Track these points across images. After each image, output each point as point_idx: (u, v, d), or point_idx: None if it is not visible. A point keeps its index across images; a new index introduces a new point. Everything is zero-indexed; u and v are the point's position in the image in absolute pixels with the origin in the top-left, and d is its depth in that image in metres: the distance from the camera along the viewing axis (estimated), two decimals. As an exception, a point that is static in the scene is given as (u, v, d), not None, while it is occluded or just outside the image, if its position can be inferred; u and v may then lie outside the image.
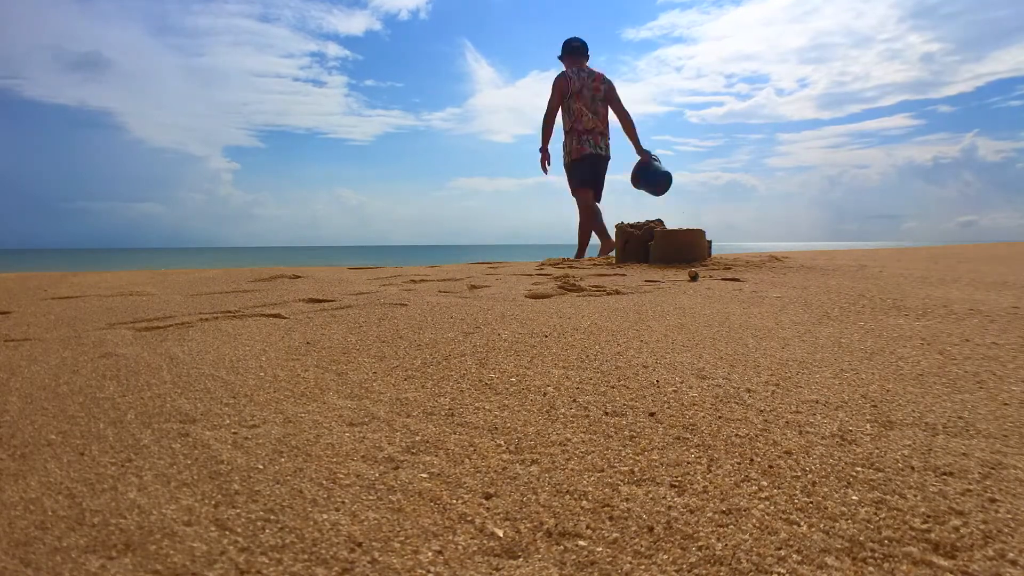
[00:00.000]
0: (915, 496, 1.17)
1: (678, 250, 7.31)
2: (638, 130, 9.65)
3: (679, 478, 1.28)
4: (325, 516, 1.15)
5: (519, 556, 1.02)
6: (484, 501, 1.20)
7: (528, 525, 1.11)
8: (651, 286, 4.95)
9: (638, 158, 9.55)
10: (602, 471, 1.32)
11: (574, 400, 1.81)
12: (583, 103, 9.10)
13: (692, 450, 1.42)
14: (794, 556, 0.99)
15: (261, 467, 1.38)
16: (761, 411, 1.68)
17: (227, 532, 1.11)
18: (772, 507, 1.15)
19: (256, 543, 1.07)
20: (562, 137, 9.52)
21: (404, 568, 0.99)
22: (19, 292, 5.19)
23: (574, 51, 9.25)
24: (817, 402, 1.75)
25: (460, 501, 1.20)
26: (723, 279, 5.44)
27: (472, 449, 1.46)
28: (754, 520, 1.10)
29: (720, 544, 1.03)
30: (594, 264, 7.66)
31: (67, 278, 6.63)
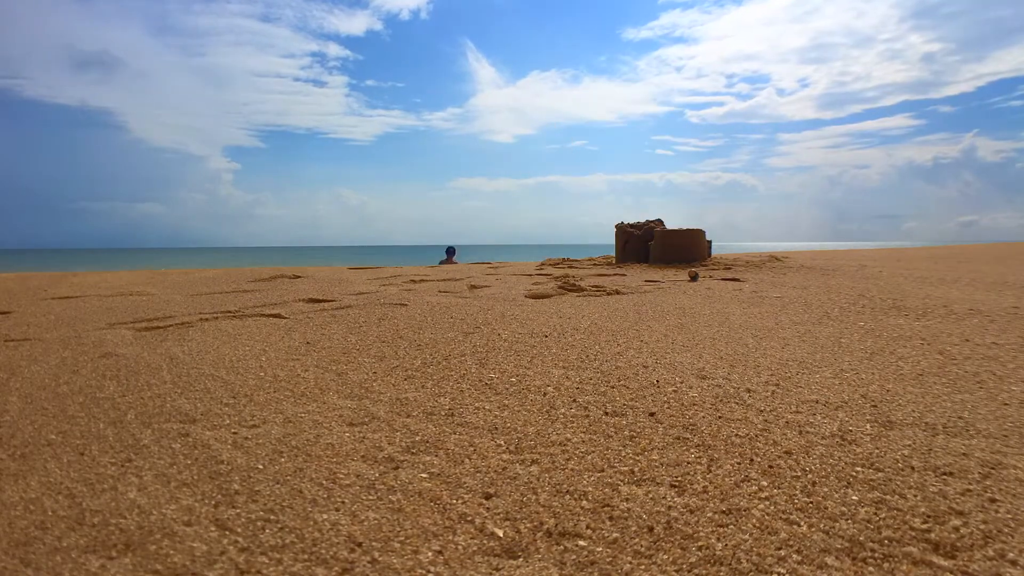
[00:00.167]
0: (915, 496, 1.17)
1: (678, 250, 7.31)
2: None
3: (679, 478, 1.28)
4: (325, 516, 1.16)
5: (519, 556, 1.02)
6: (484, 501, 1.20)
7: (528, 525, 1.11)
8: (651, 286, 4.95)
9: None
10: (602, 471, 1.32)
11: (574, 400, 1.81)
12: None
13: (692, 450, 1.42)
14: (794, 556, 0.99)
15: (261, 467, 1.38)
16: (761, 411, 1.68)
17: (227, 532, 1.11)
18: (772, 507, 1.15)
19: (256, 543, 1.07)
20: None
21: (404, 568, 0.99)
22: (19, 292, 5.19)
23: None
24: (817, 402, 1.76)
25: (460, 501, 1.20)
26: (723, 279, 5.44)
27: (472, 449, 1.46)
28: (754, 520, 1.10)
29: (720, 544, 1.03)
30: (594, 264, 7.67)
31: (67, 278, 6.63)
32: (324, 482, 1.30)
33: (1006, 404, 1.71)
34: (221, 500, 1.23)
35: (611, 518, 1.12)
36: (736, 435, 1.50)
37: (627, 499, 1.19)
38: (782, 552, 1.00)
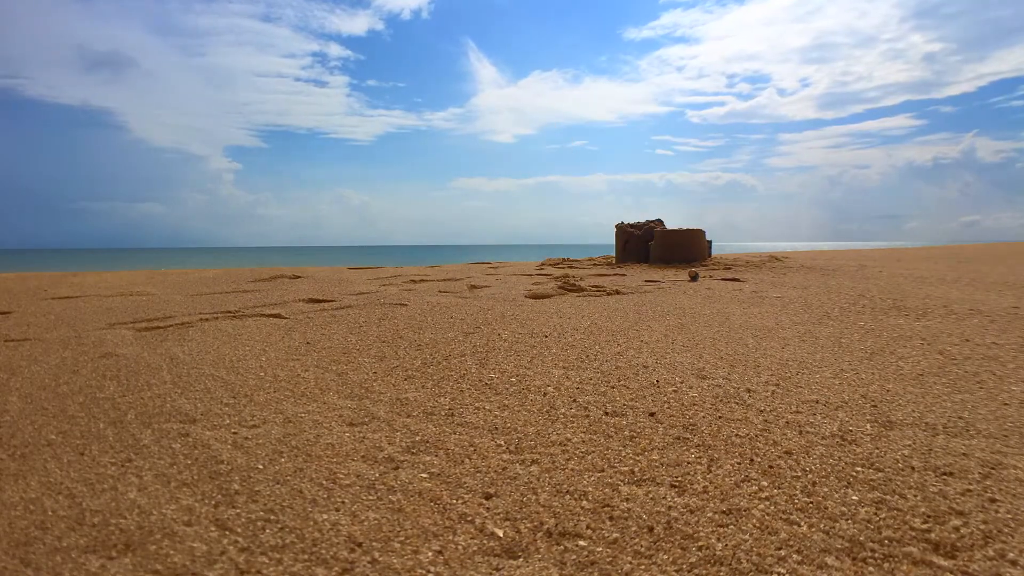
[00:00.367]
0: (915, 496, 1.17)
1: (678, 250, 7.31)
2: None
3: (679, 478, 1.28)
4: (325, 516, 1.16)
5: (519, 556, 1.02)
6: (484, 501, 1.20)
7: (528, 525, 1.11)
8: (651, 286, 4.95)
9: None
10: (602, 471, 1.32)
11: (574, 400, 1.81)
12: None
13: (692, 450, 1.42)
14: (794, 556, 0.99)
15: (261, 467, 1.38)
16: (761, 411, 1.68)
17: (227, 532, 1.11)
18: (772, 507, 1.15)
19: (256, 543, 1.07)
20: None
21: (404, 568, 0.99)
22: (19, 292, 5.19)
23: None
24: (817, 402, 1.75)
25: (460, 501, 1.20)
26: (723, 279, 5.44)
27: (472, 449, 1.46)
28: (754, 520, 1.10)
29: (720, 544, 1.03)
30: (594, 264, 7.66)
31: (67, 278, 6.63)
32: (324, 482, 1.30)
33: (1006, 404, 1.71)
34: (221, 500, 1.23)
35: (611, 518, 1.12)
36: (736, 435, 1.50)
37: (627, 499, 1.19)
38: (782, 552, 1.00)
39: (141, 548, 1.06)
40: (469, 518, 1.14)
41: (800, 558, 0.98)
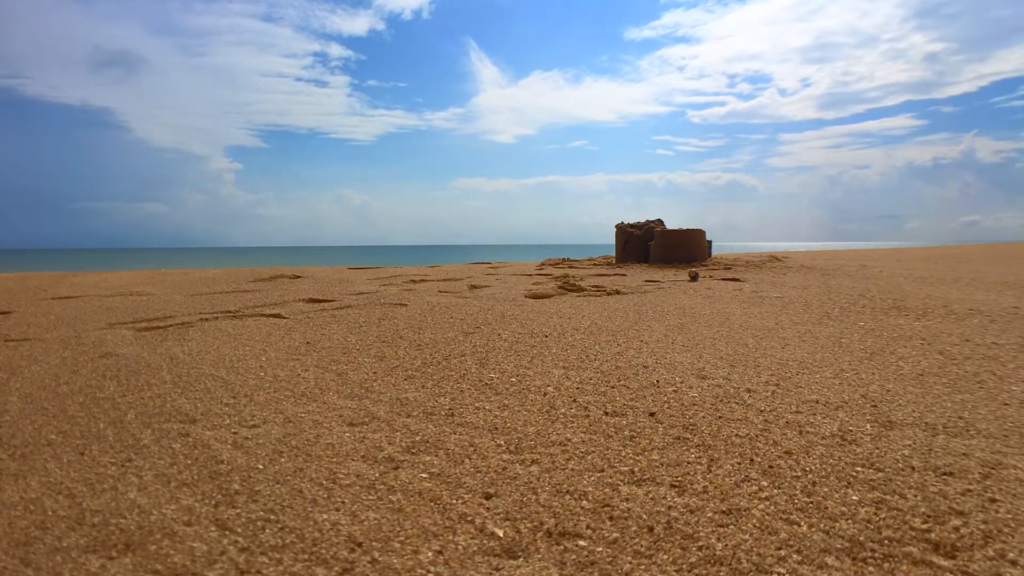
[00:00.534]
0: (915, 496, 1.17)
1: (678, 250, 7.31)
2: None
3: (679, 478, 1.28)
4: (325, 516, 1.16)
5: (519, 556, 1.02)
6: (484, 501, 1.20)
7: (528, 525, 1.11)
8: (651, 286, 4.95)
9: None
10: (602, 471, 1.32)
11: (574, 400, 1.81)
12: None
13: (692, 450, 1.42)
14: (794, 556, 0.99)
15: (261, 467, 1.38)
16: (761, 411, 1.68)
17: (227, 532, 1.11)
18: (772, 507, 1.15)
19: (256, 543, 1.07)
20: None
21: (404, 568, 0.99)
22: (19, 292, 5.19)
23: None
24: (817, 402, 1.75)
25: (460, 501, 1.20)
26: (723, 279, 5.44)
27: (472, 449, 1.46)
28: (754, 520, 1.10)
29: (720, 544, 1.03)
30: (594, 264, 7.67)
31: (67, 278, 6.64)
32: (324, 482, 1.30)
33: (1006, 404, 1.71)
34: (221, 500, 1.23)
35: (611, 518, 1.12)
36: (736, 435, 1.50)
37: (627, 499, 1.19)
38: (782, 552, 1.00)
39: (141, 548, 1.06)
40: (469, 518, 1.14)
41: (800, 558, 0.98)
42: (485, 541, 1.06)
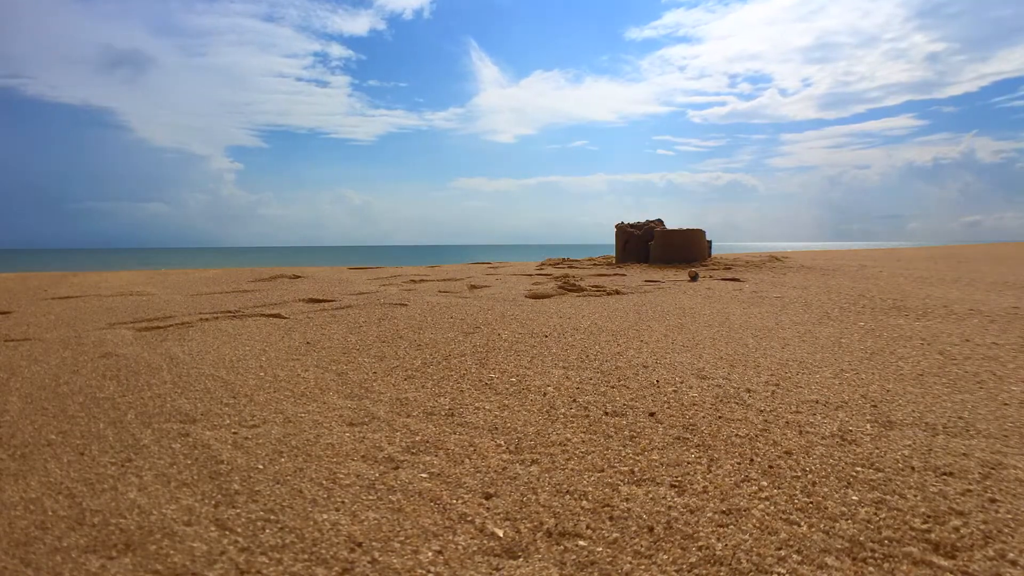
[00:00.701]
0: (915, 496, 1.17)
1: (678, 250, 7.31)
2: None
3: (679, 478, 1.28)
4: (325, 516, 1.16)
5: (519, 556, 1.02)
6: (484, 501, 1.20)
7: (528, 525, 1.11)
8: (651, 286, 4.95)
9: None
10: (602, 471, 1.32)
11: (574, 400, 1.81)
12: None
13: (692, 450, 1.42)
14: (794, 556, 0.99)
15: (261, 467, 1.38)
16: (761, 411, 1.68)
17: (227, 532, 1.11)
18: (772, 507, 1.15)
19: (256, 543, 1.07)
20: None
21: (404, 568, 0.99)
22: (19, 292, 5.19)
23: None
24: (817, 402, 1.75)
25: (460, 501, 1.20)
26: (723, 279, 5.44)
27: (472, 449, 1.46)
28: (754, 520, 1.10)
29: (720, 544, 1.03)
30: (594, 264, 7.67)
31: (67, 278, 6.64)
32: (324, 482, 1.30)
33: (1006, 404, 1.71)
34: (221, 500, 1.23)
35: (611, 518, 1.12)
36: (736, 435, 1.50)
37: (627, 499, 1.19)
38: (782, 552, 1.00)
39: (141, 548, 1.06)
40: (469, 518, 1.14)
41: (800, 558, 0.98)
42: (485, 541, 1.06)
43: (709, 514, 1.13)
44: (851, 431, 1.52)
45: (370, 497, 1.23)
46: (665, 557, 1.00)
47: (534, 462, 1.38)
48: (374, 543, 1.06)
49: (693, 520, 1.11)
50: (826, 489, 1.21)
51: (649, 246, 7.58)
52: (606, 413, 1.69)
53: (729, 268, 6.45)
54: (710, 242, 7.85)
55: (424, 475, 1.32)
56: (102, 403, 1.91)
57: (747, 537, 1.05)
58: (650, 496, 1.20)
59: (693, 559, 0.99)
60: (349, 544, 1.06)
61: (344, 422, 1.67)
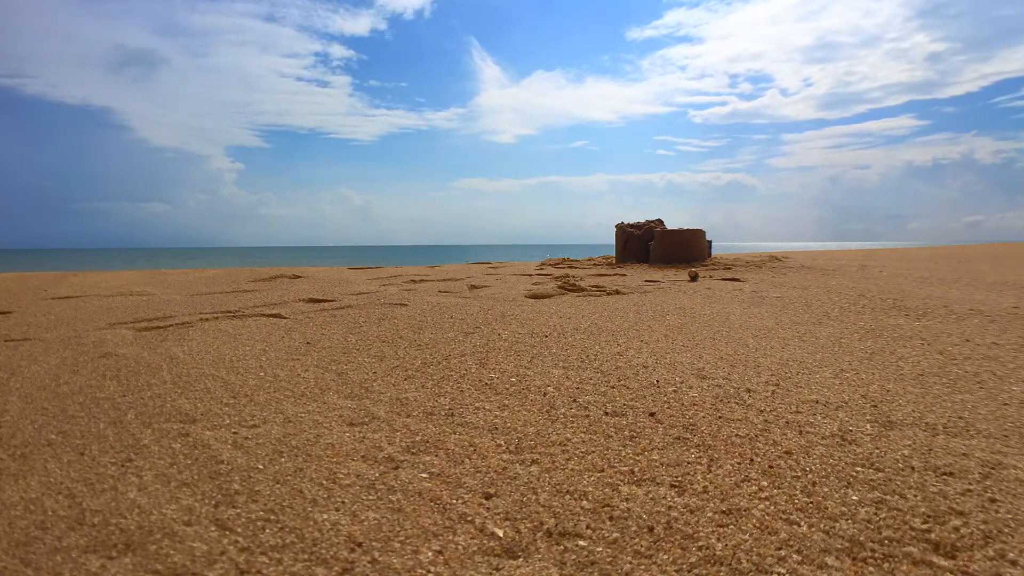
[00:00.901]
0: (915, 496, 1.17)
1: (678, 250, 7.31)
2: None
3: (679, 478, 1.28)
4: (325, 516, 1.16)
5: (519, 556, 1.02)
6: (484, 501, 1.20)
7: (528, 525, 1.11)
8: (651, 286, 4.95)
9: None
10: (602, 471, 1.32)
11: (574, 400, 1.81)
12: None
13: (692, 450, 1.42)
14: (794, 556, 0.99)
15: (261, 467, 1.38)
16: (761, 411, 1.68)
17: (227, 532, 1.11)
18: (772, 507, 1.15)
19: (256, 543, 1.07)
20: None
21: (404, 568, 0.99)
22: (19, 292, 5.19)
23: None
24: (817, 402, 1.75)
25: (460, 501, 1.20)
26: (723, 279, 5.44)
27: (472, 449, 1.46)
28: (754, 520, 1.10)
29: (720, 544, 1.03)
30: (594, 264, 7.67)
31: (67, 278, 6.64)
32: (324, 482, 1.30)
33: (1006, 404, 1.71)
34: (221, 500, 1.23)
35: (611, 518, 1.12)
36: (736, 435, 1.50)
37: (627, 499, 1.19)
38: (782, 552, 1.00)
39: (141, 548, 1.06)
40: (469, 518, 1.14)
41: (800, 558, 0.98)
42: (485, 541, 1.06)
43: (709, 514, 1.13)
44: (851, 431, 1.52)
45: (370, 497, 1.23)
46: (665, 557, 1.00)
47: (534, 462, 1.38)
48: (374, 543, 1.06)
49: (693, 520, 1.11)
50: (826, 489, 1.21)
51: (649, 246, 7.58)
52: (606, 413, 1.69)
53: (729, 268, 6.45)
54: (710, 242, 7.85)
55: (424, 475, 1.32)
56: (102, 403, 1.91)
57: (747, 537, 1.05)
58: (650, 496, 1.20)
59: (693, 559, 0.99)
60: (349, 544, 1.06)
61: (344, 422, 1.67)
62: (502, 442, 1.50)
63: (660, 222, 7.98)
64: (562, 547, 1.04)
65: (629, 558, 1.00)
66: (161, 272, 7.47)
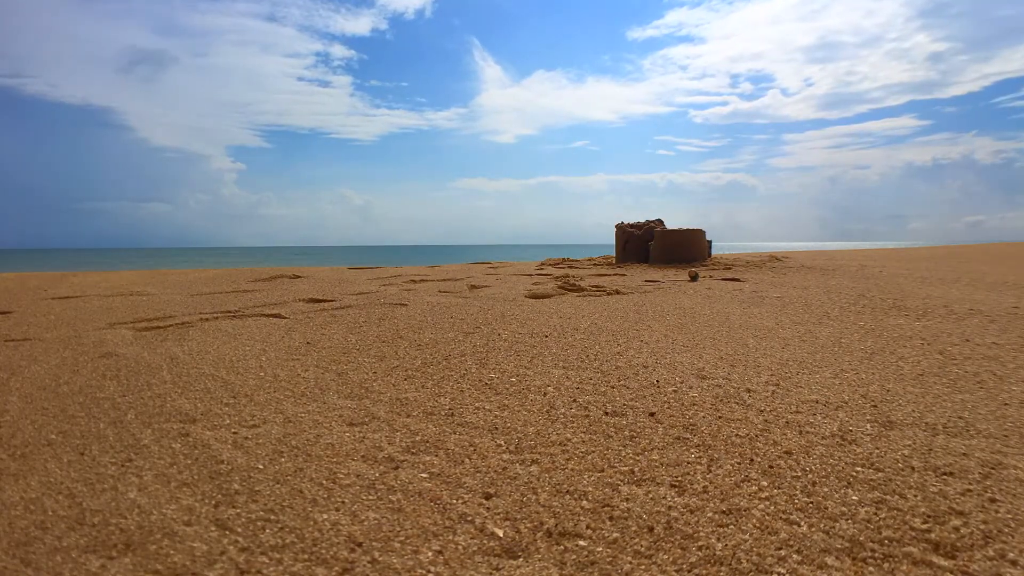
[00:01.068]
0: (915, 496, 1.17)
1: (678, 250, 7.31)
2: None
3: (679, 478, 1.28)
4: (325, 516, 1.16)
5: (519, 556, 1.02)
6: (484, 501, 1.20)
7: (528, 525, 1.11)
8: (651, 286, 4.95)
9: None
10: (602, 471, 1.32)
11: (574, 400, 1.81)
12: None
13: (692, 450, 1.42)
14: (794, 556, 0.99)
15: (261, 467, 1.38)
16: (761, 411, 1.68)
17: (227, 532, 1.11)
18: (772, 507, 1.15)
19: (256, 543, 1.07)
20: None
21: (404, 568, 0.99)
22: (19, 292, 5.19)
23: None
24: (817, 402, 1.75)
25: (460, 501, 1.20)
26: (723, 279, 5.44)
27: (472, 449, 1.46)
28: (754, 520, 1.10)
29: (720, 544, 1.03)
30: (594, 264, 7.67)
31: (67, 278, 6.64)
32: (324, 482, 1.30)
33: (1006, 404, 1.71)
34: (221, 500, 1.23)
35: (611, 518, 1.12)
36: (736, 435, 1.50)
37: (627, 499, 1.19)
38: (782, 552, 1.00)
39: (141, 548, 1.06)
40: (469, 518, 1.14)
41: (800, 558, 0.98)
42: (485, 541, 1.06)
43: (709, 514, 1.13)
44: (851, 431, 1.52)
45: (370, 497, 1.23)
46: (665, 557, 1.00)
47: (534, 462, 1.38)
48: (374, 543, 1.06)
49: (693, 520, 1.11)
50: (826, 489, 1.21)
51: (649, 246, 7.58)
52: (606, 413, 1.69)
53: (729, 268, 6.45)
54: (710, 242, 7.85)
55: (424, 475, 1.32)
56: (102, 403, 1.91)
57: (747, 537, 1.05)
58: (650, 496, 1.20)
59: (693, 559, 0.99)
60: (349, 544, 1.06)
61: (344, 422, 1.67)
62: (502, 442, 1.50)
63: (660, 222, 7.98)
64: (562, 547, 1.04)
65: (629, 558, 1.00)
66: (161, 272, 7.47)
